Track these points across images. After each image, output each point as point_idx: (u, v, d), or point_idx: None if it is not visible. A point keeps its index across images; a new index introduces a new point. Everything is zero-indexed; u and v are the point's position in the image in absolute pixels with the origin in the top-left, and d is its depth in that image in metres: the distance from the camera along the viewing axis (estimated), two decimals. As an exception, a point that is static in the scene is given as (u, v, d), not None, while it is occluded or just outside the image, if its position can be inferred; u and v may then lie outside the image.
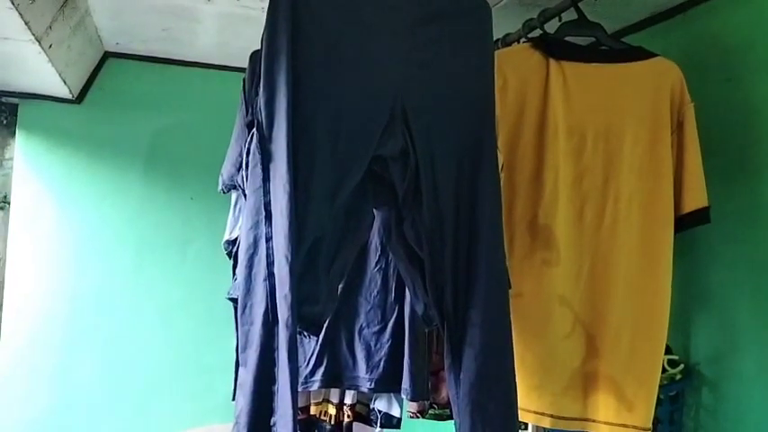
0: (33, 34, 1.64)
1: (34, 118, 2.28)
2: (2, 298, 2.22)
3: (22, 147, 2.28)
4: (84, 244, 2.30)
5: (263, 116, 1.14)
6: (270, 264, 1.11)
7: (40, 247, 2.26)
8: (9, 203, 2.26)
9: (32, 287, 2.24)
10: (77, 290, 2.28)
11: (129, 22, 2.05)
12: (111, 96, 2.36)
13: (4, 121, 2.28)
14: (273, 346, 1.10)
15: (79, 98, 2.31)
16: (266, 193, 1.13)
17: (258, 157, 1.14)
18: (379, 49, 1.21)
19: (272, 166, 1.13)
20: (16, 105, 2.28)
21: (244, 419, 1.10)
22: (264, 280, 1.11)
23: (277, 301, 1.09)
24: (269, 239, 1.12)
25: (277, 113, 1.13)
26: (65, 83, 2.10)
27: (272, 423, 1.09)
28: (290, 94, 1.12)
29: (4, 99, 2.25)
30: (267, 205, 1.12)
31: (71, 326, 2.26)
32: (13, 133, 2.28)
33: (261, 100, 1.15)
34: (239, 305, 1.15)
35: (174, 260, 2.38)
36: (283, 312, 1.07)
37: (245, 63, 2.31)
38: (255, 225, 1.14)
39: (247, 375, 1.11)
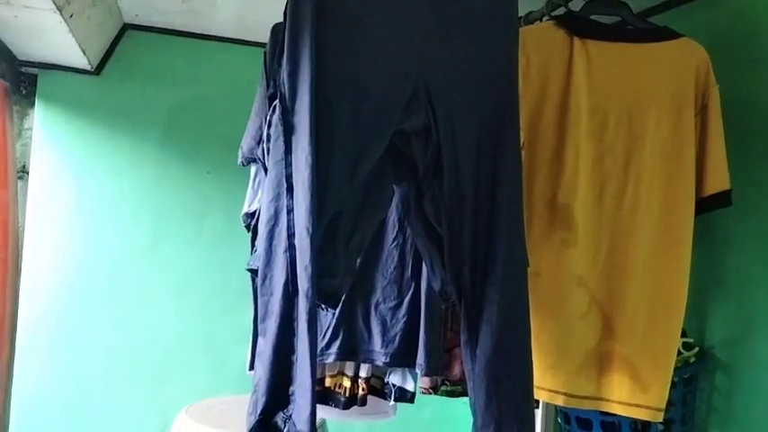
0: (55, 3, 1.64)
1: (53, 88, 2.28)
2: (21, 267, 2.24)
3: (41, 117, 2.28)
4: (101, 215, 2.31)
5: (286, 88, 1.14)
6: (291, 235, 1.12)
7: (58, 217, 2.28)
8: (28, 173, 2.27)
9: (50, 257, 2.26)
10: (94, 260, 2.30)
11: (149, -6, 2.05)
12: (130, 68, 2.35)
13: (24, 92, 2.28)
14: (293, 316, 1.11)
15: (98, 70, 2.31)
16: (288, 165, 1.13)
17: (280, 129, 1.14)
18: (403, 25, 1.20)
19: (294, 139, 1.13)
20: (36, 76, 2.28)
21: (263, 388, 1.11)
22: (285, 251, 1.12)
23: (297, 272, 1.10)
24: (290, 211, 1.12)
25: (300, 86, 1.13)
26: (84, 54, 2.10)
27: (290, 392, 1.10)
28: (314, 68, 1.12)
29: (23, 69, 2.26)
30: (289, 177, 1.13)
31: (88, 296, 2.28)
32: (33, 103, 2.29)
33: (284, 72, 1.15)
34: (259, 276, 1.16)
35: (191, 233, 2.39)
36: (303, 283, 1.08)
37: (263, 38, 2.31)
38: (277, 197, 1.14)
39: (266, 345, 1.12)
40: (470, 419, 2.50)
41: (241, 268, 2.33)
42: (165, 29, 2.37)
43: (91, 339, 2.28)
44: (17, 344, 2.22)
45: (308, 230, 1.08)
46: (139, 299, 2.33)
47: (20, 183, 2.27)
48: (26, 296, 2.23)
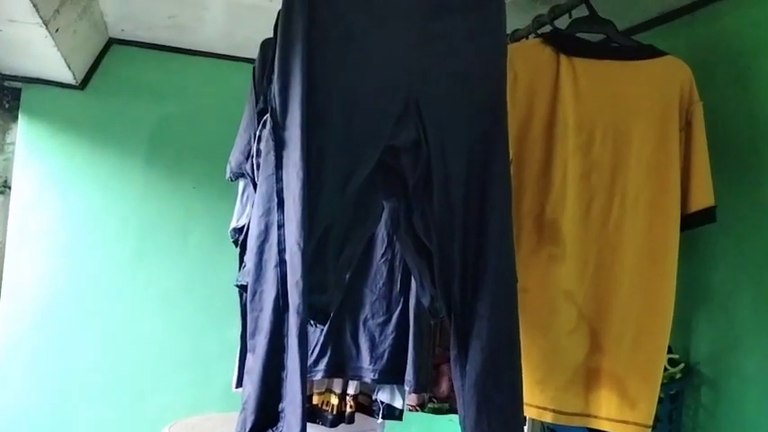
0: (41, 17, 1.64)
1: (37, 103, 2.27)
2: (1, 282, 2.21)
3: (25, 131, 2.27)
4: (84, 231, 2.29)
5: (276, 103, 1.14)
6: (281, 251, 1.11)
7: (41, 232, 2.26)
8: (10, 188, 2.25)
9: (32, 273, 2.24)
10: (77, 277, 2.28)
11: (136, 9, 2.05)
12: (115, 83, 2.35)
13: (7, 105, 2.27)
14: (283, 332, 1.10)
15: (83, 84, 2.30)
16: (279, 180, 1.13)
17: (271, 144, 1.14)
18: (394, 41, 1.21)
19: (285, 154, 1.13)
20: (19, 90, 2.27)
21: (252, 405, 1.10)
22: (275, 267, 1.11)
23: (288, 287, 1.09)
24: (281, 226, 1.12)
25: (291, 101, 1.13)
26: (69, 68, 2.09)
27: (279, 409, 1.09)
28: (305, 83, 1.12)
29: (6, 83, 2.24)
30: (280, 192, 1.13)
31: (70, 313, 2.26)
32: (16, 117, 2.27)
33: (275, 87, 1.15)
34: (249, 292, 1.15)
35: (175, 249, 2.38)
36: (294, 299, 1.07)
37: (250, 53, 2.33)
38: (267, 212, 1.14)
39: (256, 361, 1.11)
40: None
41: (226, 284, 2.32)
42: (151, 44, 2.37)
43: (73, 355, 2.25)
44: (-3, 360, 2.18)
45: (299, 245, 1.07)
46: (123, 314, 2.31)
47: (1, 198, 2.24)
48: (7, 311, 2.20)
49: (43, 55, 1.95)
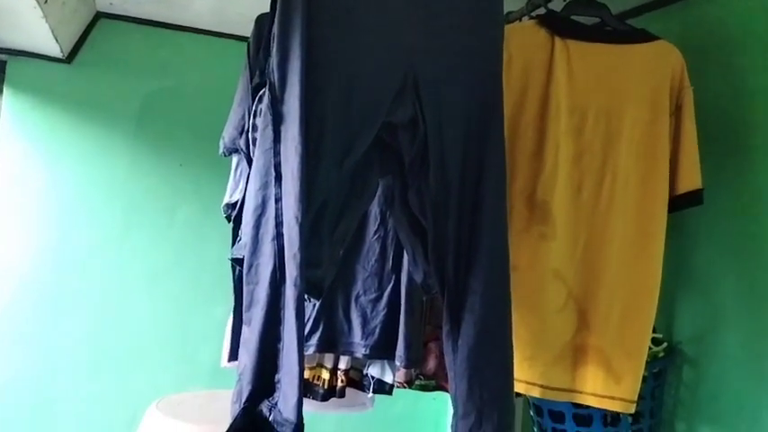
0: (31, -13, 1.61)
1: (23, 76, 2.23)
2: (-15, 257, 2.19)
3: (10, 105, 2.23)
4: (70, 206, 2.27)
5: (275, 77, 1.14)
6: (279, 224, 1.11)
7: (25, 207, 2.23)
8: (-6, 162, 2.22)
9: (17, 248, 2.21)
10: (63, 251, 2.26)
11: (126, -18, 2.02)
12: (102, 58, 2.32)
13: (-9, 78, 2.23)
14: (280, 305, 1.11)
15: (69, 58, 2.27)
16: (277, 153, 1.13)
17: (269, 118, 1.14)
18: (393, 18, 1.21)
19: (283, 128, 1.13)
20: (5, 62, 2.23)
21: (248, 376, 1.10)
22: (273, 240, 1.12)
23: (285, 260, 1.10)
24: (278, 200, 1.12)
25: (290, 75, 1.13)
26: (57, 41, 2.06)
27: (276, 380, 1.10)
28: (304, 57, 1.12)
29: (-9, 55, 2.21)
30: (278, 166, 1.13)
31: (56, 287, 2.24)
32: (0, 91, 2.23)
33: (273, 61, 1.14)
34: (245, 265, 1.15)
35: (162, 225, 2.36)
36: (292, 272, 1.08)
37: (239, 30, 2.33)
38: (264, 185, 1.14)
39: (252, 333, 1.12)
40: (440, 415, 2.54)
41: (213, 260, 2.34)
42: (140, 18, 2.34)
43: (59, 330, 2.23)
44: (-19, 336, 2.17)
45: (297, 219, 1.08)
46: (109, 291, 2.29)
47: (-14, 171, 2.21)
48: (-8, 286, 2.18)
49: (31, 27, 1.92)
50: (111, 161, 2.32)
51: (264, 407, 1.09)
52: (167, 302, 2.36)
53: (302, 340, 1.07)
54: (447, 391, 1.75)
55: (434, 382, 1.74)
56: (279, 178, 1.13)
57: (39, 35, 2.00)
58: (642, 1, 1.83)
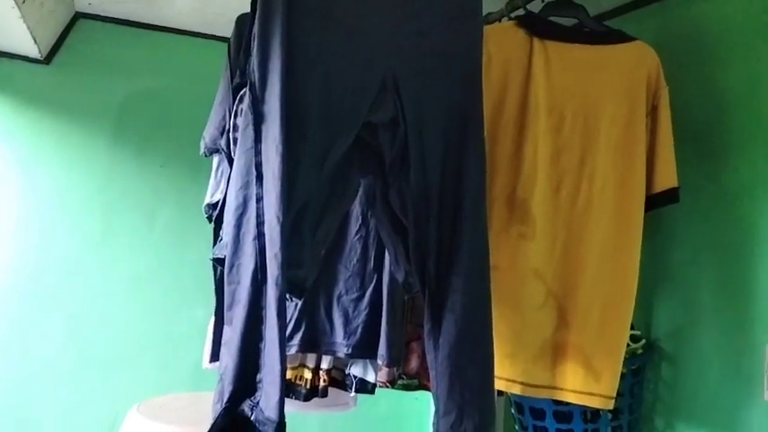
0: (8, -13, 1.60)
1: (0, 77, 2.21)
2: (-38, 261, 2.16)
3: (-13, 106, 2.21)
4: (50, 208, 2.25)
5: (256, 77, 1.14)
6: (260, 224, 1.12)
7: (5, 209, 2.20)
8: (-29, 164, 2.19)
9: (-6, 251, 2.19)
10: (42, 256, 2.23)
11: (105, -18, 2.01)
12: (81, 58, 2.29)
13: (-32, 79, 2.21)
14: (261, 304, 1.11)
15: (48, 59, 2.24)
16: (258, 153, 1.14)
17: (250, 117, 1.14)
18: (372, 18, 1.22)
19: (264, 128, 1.14)
20: (-19, 63, 2.21)
21: (229, 376, 1.10)
22: (254, 239, 1.12)
23: (267, 260, 1.10)
24: (259, 199, 1.12)
25: (270, 75, 1.13)
26: (35, 42, 2.04)
27: (258, 379, 1.10)
28: (284, 57, 1.13)
29: (-32, 56, 2.18)
30: (258, 166, 1.13)
31: (36, 291, 2.21)
32: (-23, 92, 2.21)
33: (254, 61, 1.15)
34: (226, 264, 1.16)
35: (142, 227, 2.34)
36: (273, 271, 1.08)
37: (220, 30, 2.32)
38: (245, 185, 1.15)
39: (234, 333, 1.12)
40: (423, 415, 2.54)
41: (194, 263, 2.33)
42: (119, 18, 2.32)
43: (39, 335, 2.20)
44: (-42, 340, 2.14)
45: (278, 219, 1.08)
46: (89, 293, 2.27)
47: (-38, 173, 2.19)
48: (-31, 291, 2.15)
49: (8, 28, 1.90)
50: (91, 163, 2.30)
51: (246, 406, 1.10)
52: (148, 305, 2.34)
53: (284, 339, 1.08)
54: (430, 390, 1.76)
55: (417, 382, 1.75)
56: (260, 178, 1.13)
57: (16, 36, 1.98)
58: (619, 2, 1.86)
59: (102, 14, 2.29)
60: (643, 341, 1.71)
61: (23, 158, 2.23)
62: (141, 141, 2.36)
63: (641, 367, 1.72)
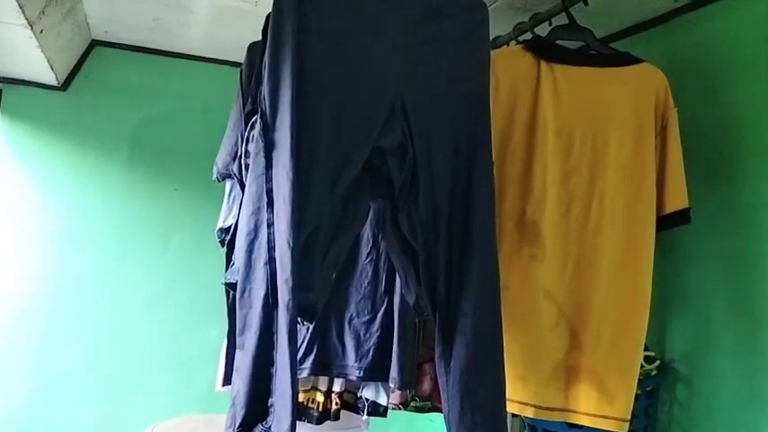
0: (27, 18, 1.64)
1: (18, 104, 2.26)
2: (-20, 284, 2.19)
3: (5, 132, 2.26)
4: (66, 232, 2.29)
5: (266, 105, 1.16)
6: (271, 249, 1.13)
7: (22, 233, 2.24)
8: (-11, 189, 2.24)
9: (12, 274, 2.22)
10: (58, 278, 2.27)
11: (120, 11, 2.05)
12: (97, 85, 2.35)
13: (-13, 106, 2.26)
14: (272, 329, 1.12)
15: (65, 85, 2.30)
16: (269, 180, 1.15)
17: (261, 144, 1.16)
18: (381, 45, 1.24)
19: (274, 154, 1.15)
20: (0, 90, 2.26)
21: (241, 400, 1.11)
22: (265, 264, 1.13)
23: (278, 285, 1.11)
24: (270, 225, 1.14)
25: (281, 103, 1.15)
26: (52, 69, 2.09)
27: (269, 404, 1.11)
28: (295, 85, 1.15)
29: (-13, 84, 2.24)
30: (269, 192, 1.15)
31: (52, 314, 2.24)
32: (-4, 118, 2.26)
33: (265, 89, 1.17)
34: (238, 289, 1.17)
35: (157, 251, 2.38)
36: (284, 296, 1.09)
37: (233, 56, 2.36)
38: (257, 211, 1.16)
39: (245, 358, 1.13)
40: (436, 436, 2.50)
41: (207, 285, 2.35)
42: (134, 46, 2.37)
43: (54, 356, 2.24)
44: (-24, 362, 2.17)
45: (288, 244, 1.10)
46: (104, 316, 2.30)
47: (-19, 199, 2.23)
48: (-14, 313, 2.18)
49: (26, 56, 1.95)
50: (107, 187, 2.34)
51: (258, 431, 1.10)
52: (162, 327, 2.37)
53: (295, 364, 1.09)
54: (442, 412, 1.75)
55: (430, 404, 1.75)
56: (271, 204, 1.15)
57: (35, 65, 2.04)
58: (626, 24, 1.87)
59: (117, 42, 2.35)
60: (657, 362, 1.70)
61: (41, 182, 2.28)
62: (156, 165, 2.40)
63: (656, 388, 1.70)
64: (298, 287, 1.13)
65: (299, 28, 1.17)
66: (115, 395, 2.29)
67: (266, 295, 1.13)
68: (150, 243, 2.38)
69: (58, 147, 2.30)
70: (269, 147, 1.15)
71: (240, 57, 1.66)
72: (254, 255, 1.16)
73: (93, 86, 2.34)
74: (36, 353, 2.22)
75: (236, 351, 1.17)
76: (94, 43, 2.33)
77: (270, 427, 1.09)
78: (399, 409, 1.67)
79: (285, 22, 1.16)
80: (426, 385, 1.68)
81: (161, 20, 2.11)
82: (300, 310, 1.18)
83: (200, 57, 2.44)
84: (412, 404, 1.72)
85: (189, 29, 2.17)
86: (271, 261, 1.13)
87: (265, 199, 1.15)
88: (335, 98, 1.20)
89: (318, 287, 1.25)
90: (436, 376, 1.66)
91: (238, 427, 1.11)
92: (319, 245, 1.23)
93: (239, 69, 1.62)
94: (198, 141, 2.38)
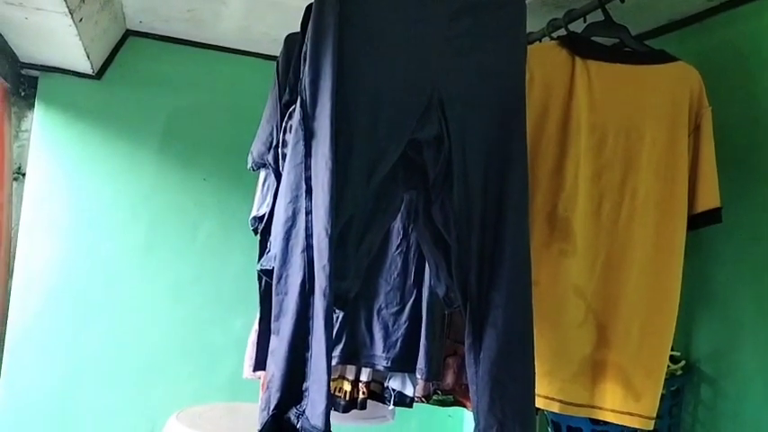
0: (68, 6, 1.67)
1: (53, 91, 2.30)
2: (13, 268, 2.23)
3: (40, 119, 2.29)
4: (96, 219, 2.32)
5: (307, 95, 1.18)
6: (308, 236, 1.15)
7: (53, 219, 2.28)
8: (24, 175, 2.28)
9: (43, 260, 2.26)
10: (87, 265, 2.30)
11: (156, 1, 2.08)
12: (131, 74, 2.38)
13: (23, 93, 2.29)
14: (308, 315, 1.14)
15: (99, 74, 2.33)
16: (307, 168, 1.17)
17: (301, 134, 1.18)
18: (420, 39, 1.25)
19: (314, 143, 1.17)
20: (36, 78, 2.29)
21: (276, 384, 1.13)
22: (302, 252, 1.15)
23: (315, 272, 1.13)
24: (308, 213, 1.16)
25: (321, 93, 1.17)
26: (88, 58, 2.12)
27: (304, 388, 1.12)
28: (335, 76, 1.16)
29: (24, 71, 2.27)
30: (308, 180, 1.17)
31: (80, 300, 2.28)
32: (32, 105, 2.30)
33: (305, 79, 1.19)
34: (275, 276, 1.19)
35: (185, 239, 2.41)
36: (321, 282, 1.11)
37: (264, 49, 2.39)
38: (295, 199, 1.18)
39: (281, 343, 1.15)
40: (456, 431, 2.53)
41: (234, 275, 2.39)
42: (167, 36, 2.40)
43: (82, 342, 2.27)
44: (6, 345, 2.21)
45: (326, 231, 1.11)
46: (131, 304, 2.33)
47: (15, 184, 2.27)
48: (18, 298, 2.22)
49: (64, 44, 1.98)
50: (137, 175, 2.37)
51: (292, 414, 1.12)
52: (189, 315, 2.40)
53: (330, 350, 1.11)
54: (464, 406, 1.77)
55: (452, 398, 1.76)
56: (309, 192, 1.16)
57: (72, 53, 2.07)
58: (660, 23, 1.87)
59: (151, 32, 2.38)
60: (683, 362, 1.70)
61: (73, 169, 2.32)
62: (186, 155, 2.43)
63: (680, 388, 1.70)
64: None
65: (341, 20, 1.18)
66: (141, 381, 2.32)
67: (303, 282, 1.14)
68: (179, 232, 2.41)
69: (91, 135, 2.33)
70: (308, 136, 1.17)
71: (271, 49, 1.68)
72: (291, 242, 1.18)
73: (126, 76, 2.37)
74: (64, 338, 2.25)
75: (272, 336, 1.19)
76: (129, 33, 2.36)
77: (304, 410, 1.11)
78: (422, 401, 1.69)
79: (327, 14, 1.18)
80: (449, 379, 1.69)
81: (195, 11, 2.13)
82: (333, 297, 1.20)
83: (232, 48, 2.46)
84: (434, 397, 1.74)
85: (222, 20, 2.20)
86: (308, 248, 1.14)
87: (304, 187, 1.17)
88: (374, 90, 1.21)
89: (351, 276, 1.27)
90: (460, 370, 1.68)
91: (273, 409, 1.12)
92: (353, 234, 1.25)
93: (275, 61, 1.64)
94: (228, 132, 2.42)
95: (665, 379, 1.53)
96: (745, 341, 1.61)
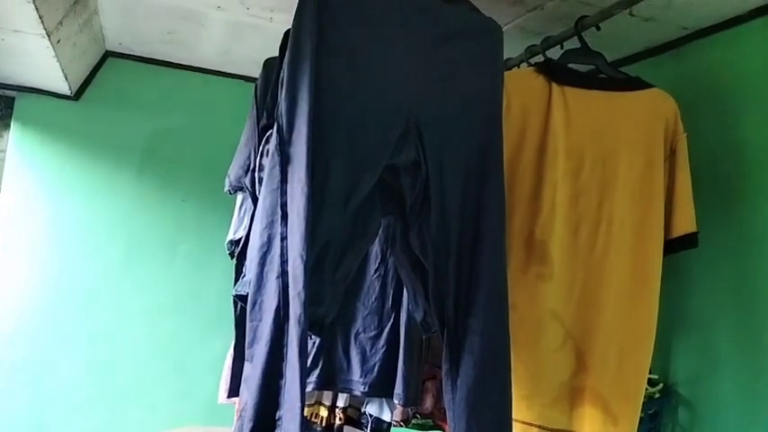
0: (45, 28, 1.66)
1: (30, 112, 2.28)
2: (-14, 289, 2.20)
3: (16, 140, 2.27)
4: (73, 240, 2.29)
5: (284, 120, 1.18)
6: (284, 262, 1.14)
7: (29, 240, 2.25)
8: (-1, 195, 2.25)
9: (19, 280, 2.23)
10: (64, 286, 2.27)
11: (136, 23, 2.08)
12: (109, 95, 2.37)
13: (-1, 114, 2.28)
14: (283, 342, 1.12)
15: (77, 95, 2.32)
16: (283, 194, 1.16)
17: (277, 159, 1.18)
18: (398, 65, 1.26)
19: (290, 169, 1.17)
20: (13, 98, 2.28)
21: (249, 413, 1.11)
22: (277, 278, 1.14)
23: (290, 298, 1.12)
24: (284, 239, 1.15)
25: (298, 118, 1.17)
26: (66, 79, 2.11)
27: (277, 417, 1.11)
28: (312, 101, 1.16)
29: (0, 91, 2.25)
30: (284, 206, 1.16)
31: (56, 321, 2.25)
32: (8, 126, 2.28)
33: (282, 104, 1.19)
34: (249, 301, 1.18)
35: (163, 261, 2.39)
36: (296, 309, 1.10)
37: (244, 71, 2.39)
38: (270, 224, 1.17)
39: (255, 370, 1.14)
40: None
41: (212, 296, 2.36)
42: (147, 58, 2.39)
43: (57, 364, 2.24)
44: (-22, 367, 2.17)
45: (302, 258, 1.11)
46: (109, 324, 2.30)
47: (-11, 204, 2.24)
48: (-8, 319, 2.19)
49: (42, 65, 1.97)
50: (115, 196, 2.36)
51: (266, 443, 1.10)
52: (165, 337, 2.37)
53: (304, 378, 1.09)
54: (443, 430, 1.75)
55: (431, 421, 1.75)
56: (285, 217, 1.16)
57: (49, 74, 2.06)
58: (635, 50, 1.89)
59: (130, 53, 2.37)
60: (660, 385, 1.70)
61: (50, 190, 2.29)
62: (164, 176, 2.42)
63: (658, 412, 1.70)
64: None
65: (319, 45, 1.18)
66: (117, 404, 2.28)
67: (278, 308, 1.13)
68: (157, 253, 2.39)
69: (69, 155, 2.32)
70: (284, 161, 1.17)
71: (252, 71, 1.68)
72: (266, 268, 1.17)
73: (105, 97, 2.36)
74: (39, 360, 2.22)
75: (245, 363, 1.18)
76: (108, 54, 2.35)
77: (277, 440, 1.10)
78: (401, 425, 1.68)
79: (304, 40, 1.18)
80: (428, 403, 1.68)
81: (175, 33, 2.13)
82: (309, 323, 1.18)
83: (212, 70, 2.46)
84: (413, 421, 1.72)
85: (202, 43, 2.20)
86: (283, 274, 1.14)
87: (279, 213, 1.16)
88: (351, 115, 1.21)
89: (328, 302, 1.26)
90: (438, 394, 1.67)
91: (246, 438, 1.11)
92: (330, 259, 1.24)
93: (252, 84, 1.64)
94: (206, 153, 2.41)
95: (644, 402, 1.53)
96: (722, 364, 1.62)
